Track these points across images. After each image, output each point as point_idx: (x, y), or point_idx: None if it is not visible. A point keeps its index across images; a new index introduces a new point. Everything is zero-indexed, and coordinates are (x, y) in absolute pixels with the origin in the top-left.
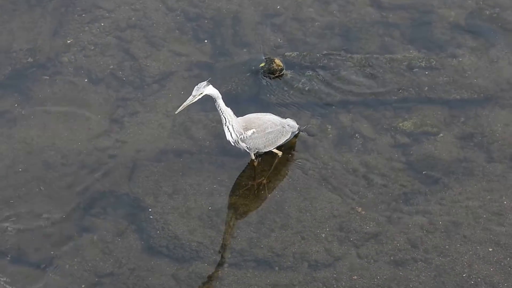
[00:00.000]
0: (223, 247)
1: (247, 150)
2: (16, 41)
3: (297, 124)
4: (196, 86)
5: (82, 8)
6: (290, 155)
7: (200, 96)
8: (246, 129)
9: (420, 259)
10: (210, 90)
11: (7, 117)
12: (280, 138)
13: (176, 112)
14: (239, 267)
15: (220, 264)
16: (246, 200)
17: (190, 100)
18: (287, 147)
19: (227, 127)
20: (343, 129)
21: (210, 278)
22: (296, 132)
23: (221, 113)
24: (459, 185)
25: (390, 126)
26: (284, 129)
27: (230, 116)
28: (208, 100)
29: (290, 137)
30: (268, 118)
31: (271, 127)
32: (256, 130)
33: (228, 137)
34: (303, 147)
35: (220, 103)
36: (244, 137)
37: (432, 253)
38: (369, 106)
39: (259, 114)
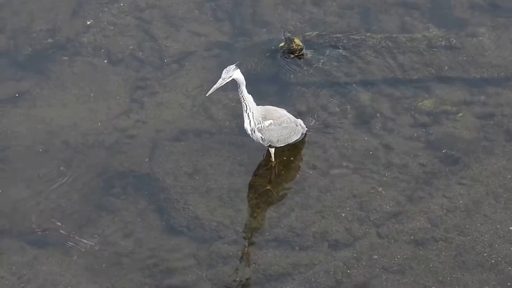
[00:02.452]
0: (243, 227)
1: (261, 142)
2: (35, 22)
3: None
4: (225, 69)
5: None
6: (310, 136)
7: (229, 79)
8: (265, 119)
9: (440, 239)
10: (238, 74)
11: (27, 97)
12: (292, 135)
13: (206, 95)
14: (259, 247)
15: (240, 244)
16: (266, 179)
17: (220, 83)
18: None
19: (247, 114)
20: (363, 109)
21: (230, 258)
22: (305, 133)
23: (242, 100)
24: (479, 164)
25: (410, 106)
26: (297, 127)
27: (251, 103)
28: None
29: (299, 138)
30: (285, 113)
31: (286, 122)
32: (274, 122)
33: (246, 125)
34: (323, 127)
35: (244, 89)
36: (261, 126)
37: (452, 232)
38: (389, 85)
39: (275, 107)
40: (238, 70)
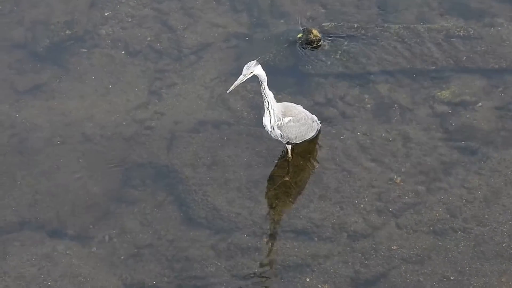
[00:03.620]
0: (262, 218)
1: (279, 138)
2: (54, 14)
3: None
4: (246, 65)
5: None
6: (328, 127)
7: (250, 75)
8: (284, 115)
9: (459, 229)
10: (259, 70)
11: (45, 89)
12: (309, 132)
13: (228, 92)
14: (278, 238)
15: (259, 235)
16: (284, 170)
17: (241, 79)
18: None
19: (269, 111)
20: (381, 100)
21: (249, 249)
22: (319, 129)
23: (264, 97)
24: (498, 155)
25: (428, 96)
26: (313, 124)
27: (272, 100)
28: None
29: (314, 134)
30: (302, 110)
31: (304, 119)
32: (293, 118)
33: (267, 121)
34: (342, 118)
35: (265, 86)
36: (281, 123)
37: (471, 222)
38: (407, 76)
39: (292, 103)
40: (259, 66)
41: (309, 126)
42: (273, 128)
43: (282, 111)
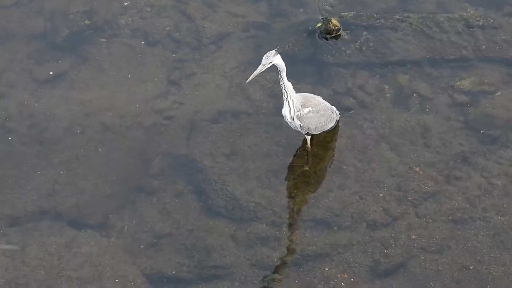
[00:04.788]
0: (281, 207)
1: (299, 129)
2: (73, 4)
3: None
4: (265, 55)
5: None
6: (347, 116)
7: (269, 65)
8: (304, 106)
9: (478, 218)
10: (278, 60)
11: (65, 79)
12: (328, 123)
13: (247, 81)
14: (297, 228)
15: (278, 225)
16: (304, 160)
17: (260, 69)
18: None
19: (288, 102)
20: (400, 89)
21: (268, 238)
22: (338, 120)
23: (283, 88)
24: None
25: (448, 85)
26: (332, 115)
27: (291, 90)
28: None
29: (333, 125)
30: (321, 100)
31: (324, 110)
32: (312, 109)
33: (286, 112)
34: (361, 107)
35: (284, 76)
36: (300, 114)
37: (490, 212)
38: (427, 65)
39: (312, 94)
40: (279, 56)
41: (329, 117)
42: (293, 119)
43: (301, 102)
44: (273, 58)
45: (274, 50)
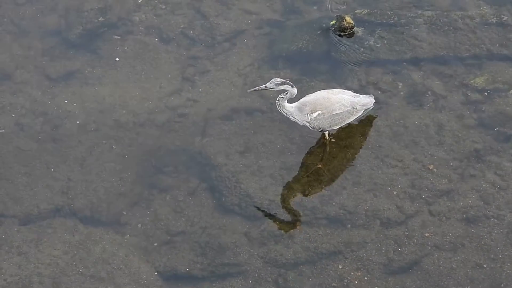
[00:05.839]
0: (295, 205)
1: (311, 129)
2: (87, 1)
3: (374, 99)
4: (274, 79)
5: None
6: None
7: (272, 89)
8: (312, 111)
9: (492, 216)
10: (288, 88)
11: (79, 76)
12: (346, 119)
13: (248, 91)
14: (311, 225)
15: (291, 222)
16: (317, 157)
17: (263, 88)
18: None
19: (291, 118)
20: (414, 87)
21: (282, 236)
22: (371, 107)
23: (280, 109)
24: None
25: (462, 83)
26: (354, 109)
27: (290, 111)
28: (279, 58)
29: (360, 115)
30: (339, 99)
31: (339, 109)
32: (322, 112)
33: (294, 120)
34: (375, 105)
35: (283, 99)
36: (308, 119)
37: (504, 209)
38: (440, 63)
39: (331, 91)
40: (287, 86)
41: (346, 114)
42: (303, 122)
43: (308, 109)
44: (276, 87)
45: (284, 80)
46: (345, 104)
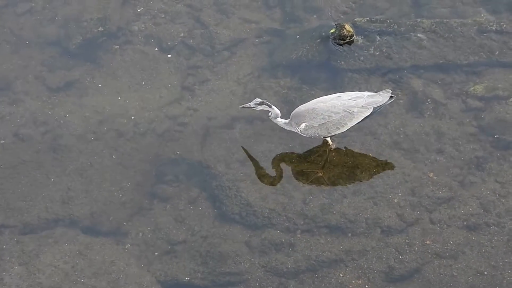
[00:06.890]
0: (296, 213)
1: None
2: (86, 11)
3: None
4: (255, 99)
5: None
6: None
7: (254, 107)
8: (298, 124)
9: (492, 224)
10: (262, 108)
11: (78, 86)
12: (347, 122)
13: (239, 107)
14: (311, 233)
15: (292, 231)
16: (318, 166)
17: (247, 106)
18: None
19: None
20: (414, 94)
21: (282, 245)
22: (388, 102)
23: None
24: None
25: (461, 91)
26: (351, 114)
27: (283, 126)
28: (279, 66)
29: (369, 114)
30: (328, 107)
31: (329, 117)
32: (308, 123)
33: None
34: (375, 113)
35: (273, 118)
36: (299, 131)
37: (505, 217)
38: (440, 71)
39: (322, 100)
40: (265, 106)
41: (342, 118)
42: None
43: (294, 123)
44: (257, 107)
45: (259, 99)
46: (336, 111)
